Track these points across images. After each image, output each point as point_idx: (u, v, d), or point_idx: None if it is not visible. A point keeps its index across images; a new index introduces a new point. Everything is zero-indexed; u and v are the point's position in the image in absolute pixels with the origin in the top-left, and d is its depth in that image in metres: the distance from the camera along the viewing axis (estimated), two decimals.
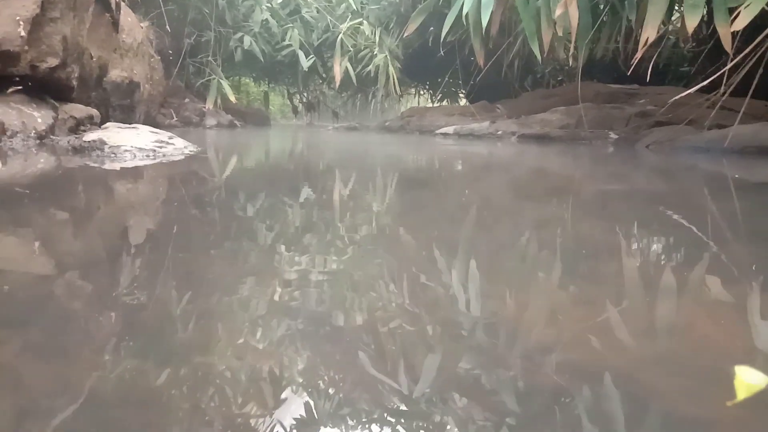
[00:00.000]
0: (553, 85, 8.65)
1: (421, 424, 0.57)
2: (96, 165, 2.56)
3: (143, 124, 3.98)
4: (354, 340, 0.75)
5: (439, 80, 10.09)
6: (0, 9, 3.15)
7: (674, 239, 1.49)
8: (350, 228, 1.49)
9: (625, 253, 1.28)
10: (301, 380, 0.65)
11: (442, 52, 6.31)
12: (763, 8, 3.14)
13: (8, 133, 3.03)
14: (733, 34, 3.36)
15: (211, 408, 0.57)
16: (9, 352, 0.67)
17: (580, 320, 0.84)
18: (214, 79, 8.02)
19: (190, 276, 1.01)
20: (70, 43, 3.59)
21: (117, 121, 3.87)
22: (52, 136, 3.31)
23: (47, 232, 1.29)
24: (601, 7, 4.85)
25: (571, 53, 4.95)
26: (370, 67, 8.21)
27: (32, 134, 3.17)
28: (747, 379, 0.49)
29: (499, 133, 6.34)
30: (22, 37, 3.22)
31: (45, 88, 3.52)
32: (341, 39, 8.10)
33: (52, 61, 3.44)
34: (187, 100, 7.85)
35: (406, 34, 6.53)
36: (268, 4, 8.79)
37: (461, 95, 11.08)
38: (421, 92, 12.22)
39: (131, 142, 2.99)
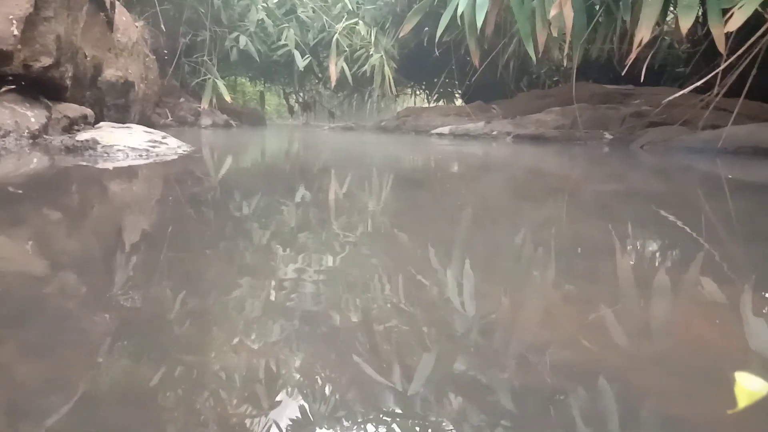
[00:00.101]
0: (549, 85, 8.66)
1: (415, 422, 0.57)
2: (89, 164, 2.54)
3: (138, 123, 3.97)
4: (349, 339, 0.75)
5: (435, 80, 10.09)
6: None
7: (672, 239, 1.49)
8: (347, 227, 1.48)
9: (625, 253, 1.28)
10: (295, 378, 0.64)
11: (437, 53, 6.32)
12: (756, 9, 3.15)
13: (1, 133, 3.01)
14: (727, 35, 3.38)
15: (205, 407, 0.57)
16: (3, 352, 0.66)
17: (577, 318, 0.84)
18: (210, 78, 8.00)
19: (178, 274, 1.00)
20: (63, 43, 3.57)
21: (112, 121, 3.86)
22: (45, 136, 3.29)
23: (40, 231, 1.28)
24: (596, 7, 4.86)
25: (566, 54, 4.95)
26: (366, 67, 8.21)
27: (25, 134, 3.15)
28: (748, 386, 0.47)
29: (495, 133, 6.35)
30: (15, 36, 3.20)
31: (38, 88, 3.50)
32: (337, 39, 8.09)
33: (46, 61, 3.42)
34: (182, 99, 7.83)
35: (401, 34, 6.53)
36: (264, 4, 8.77)
37: (457, 95, 11.08)
38: (417, 92, 12.22)
39: (124, 142, 2.98)
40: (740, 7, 3.16)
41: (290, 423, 0.56)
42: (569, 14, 3.99)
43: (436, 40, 5.52)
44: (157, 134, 3.27)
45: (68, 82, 3.73)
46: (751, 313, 0.89)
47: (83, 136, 3.05)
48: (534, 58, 4.66)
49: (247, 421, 0.56)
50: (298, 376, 0.65)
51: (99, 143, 2.94)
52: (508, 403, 0.60)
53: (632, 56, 3.67)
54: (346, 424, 0.57)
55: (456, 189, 2.47)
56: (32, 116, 3.29)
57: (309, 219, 1.57)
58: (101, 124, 3.47)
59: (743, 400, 0.45)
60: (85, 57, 4.23)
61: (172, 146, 3.18)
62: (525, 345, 0.75)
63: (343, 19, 8.52)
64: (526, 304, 0.93)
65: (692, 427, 0.57)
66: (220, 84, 8.09)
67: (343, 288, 0.96)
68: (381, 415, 0.58)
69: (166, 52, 7.61)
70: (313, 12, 9.00)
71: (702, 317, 0.87)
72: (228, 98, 8.23)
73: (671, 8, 4.74)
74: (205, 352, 0.70)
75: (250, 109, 10.79)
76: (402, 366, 0.67)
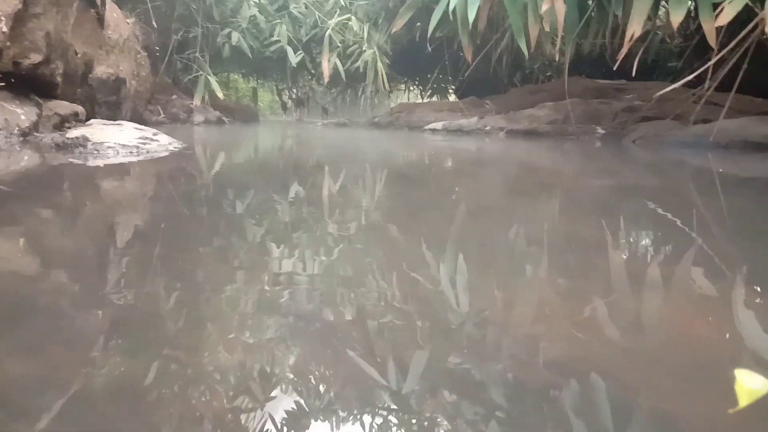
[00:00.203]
0: (542, 80, 8.67)
1: (409, 417, 0.57)
2: (79, 162, 2.53)
3: (130, 120, 3.94)
4: (343, 334, 0.75)
5: (429, 76, 10.07)
6: None
7: (665, 233, 1.50)
8: (340, 223, 1.48)
9: (618, 248, 1.29)
10: (288, 374, 0.64)
11: (429, 48, 6.30)
12: (746, 3, 3.16)
13: None
14: (718, 30, 3.39)
15: (199, 404, 0.57)
16: None
17: (569, 312, 0.85)
18: (202, 75, 7.95)
19: (171, 272, 0.99)
20: (53, 39, 3.54)
21: (103, 118, 3.83)
22: (35, 133, 3.27)
23: (30, 229, 1.27)
24: (588, 2, 4.86)
25: (558, 48, 4.95)
26: (359, 63, 8.18)
27: (15, 131, 3.13)
28: (748, 384, 0.45)
29: (488, 128, 6.35)
30: (3, 32, 3.17)
31: (28, 85, 3.47)
32: (329, 35, 8.06)
33: (35, 58, 3.39)
34: (174, 96, 7.77)
35: (394, 30, 6.50)
36: (256, 0, 8.72)
37: (450, 91, 11.08)
38: (411, 88, 12.20)
39: (115, 139, 2.96)
40: (730, 1, 3.17)
41: (283, 418, 0.56)
42: (561, 9, 3.99)
43: (429, 35, 5.51)
44: (148, 131, 3.25)
45: (59, 79, 3.70)
46: (744, 306, 0.89)
47: (74, 133, 3.03)
48: (526, 53, 4.66)
49: (242, 417, 0.56)
50: (291, 372, 0.65)
51: (89, 140, 2.92)
52: (500, 398, 0.61)
53: (624, 51, 3.68)
54: (338, 419, 0.57)
55: (449, 185, 2.47)
56: (22, 113, 3.26)
57: (302, 215, 1.57)
58: (92, 121, 3.44)
59: (744, 398, 0.44)
60: (76, 54, 4.19)
61: (163, 143, 3.16)
62: (517, 339, 0.76)
63: (336, 15, 8.48)
64: (518, 299, 0.94)
65: (688, 425, 0.57)
66: (213, 80, 8.04)
67: (337, 283, 0.96)
68: (375, 410, 0.58)
69: (157, 48, 7.55)
70: (306, 8, 8.96)
71: (694, 311, 0.88)
72: (220, 95, 8.19)
73: (663, 2, 4.75)
74: (199, 349, 0.69)
75: (242, 105, 10.75)
76: (396, 361, 0.67)
